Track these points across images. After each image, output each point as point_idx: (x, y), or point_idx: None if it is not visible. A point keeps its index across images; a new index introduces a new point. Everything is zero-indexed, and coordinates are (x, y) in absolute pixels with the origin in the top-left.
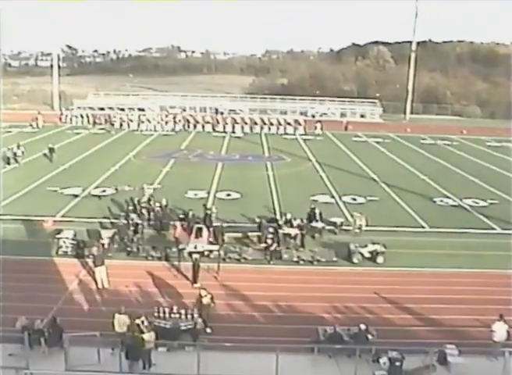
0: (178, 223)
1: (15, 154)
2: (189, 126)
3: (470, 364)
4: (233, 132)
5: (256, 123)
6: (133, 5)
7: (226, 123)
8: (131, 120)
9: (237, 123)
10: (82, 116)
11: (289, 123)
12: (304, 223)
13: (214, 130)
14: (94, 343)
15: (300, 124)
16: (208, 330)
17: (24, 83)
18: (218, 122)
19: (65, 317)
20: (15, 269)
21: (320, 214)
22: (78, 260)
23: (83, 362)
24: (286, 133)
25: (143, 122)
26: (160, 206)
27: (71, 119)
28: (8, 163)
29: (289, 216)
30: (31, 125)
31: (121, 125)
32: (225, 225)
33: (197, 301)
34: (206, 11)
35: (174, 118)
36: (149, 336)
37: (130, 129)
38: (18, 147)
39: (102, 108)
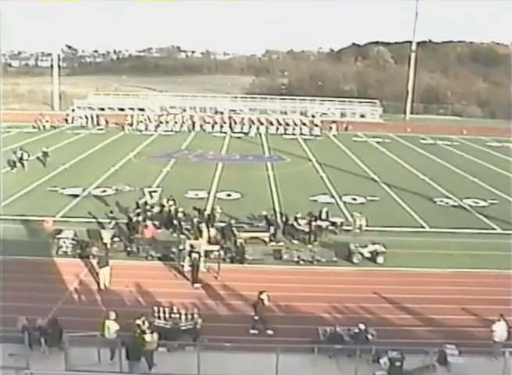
0: (149, 222)
1: (20, 158)
2: (203, 126)
3: (470, 364)
4: (248, 132)
5: (272, 124)
6: (133, 5)
7: (244, 124)
8: (150, 121)
9: (253, 124)
10: (86, 117)
11: (304, 124)
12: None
13: (232, 130)
14: (94, 343)
15: (316, 125)
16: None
17: (24, 83)
18: (235, 122)
19: (66, 317)
20: (15, 269)
21: (327, 213)
22: (80, 260)
23: (83, 362)
24: (285, 133)
25: (161, 122)
26: (176, 207)
27: (77, 120)
28: (14, 167)
29: (299, 215)
30: (34, 126)
31: (136, 124)
32: (237, 225)
33: (257, 302)
34: (206, 11)
35: (192, 118)
36: (151, 337)
37: (149, 129)
38: (21, 149)
39: (102, 109)
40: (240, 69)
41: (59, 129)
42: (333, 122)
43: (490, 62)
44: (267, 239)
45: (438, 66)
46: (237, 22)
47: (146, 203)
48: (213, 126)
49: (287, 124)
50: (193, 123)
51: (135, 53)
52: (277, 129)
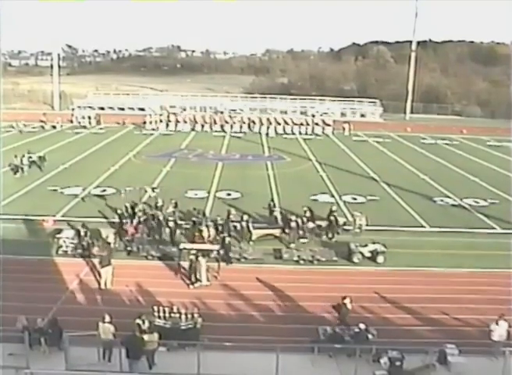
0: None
1: (21, 161)
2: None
3: (470, 364)
4: (267, 133)
5: (287, 123)
6: (133, 5)
7: (262, 124)
8: (170, 120)
9: (271, 124)
10: (92, 117)
11: (317, 124)
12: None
13: (250, 130)
14: (94, 343)
15: (328, 125)
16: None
17: (24, 82)
18: (253, 122)
19: (66, 317)
20: (15, 269)
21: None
22: (82, 260)
23: (83, 362)
24: (286, 133)
25: (179, 121)
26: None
27: (83, 120)
28: (16, 172)
29: (308, 214)
30: (43, 126)
31: (155, 123)
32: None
33: (339, 307)
34: (206, 11)
35: (212, 118)
36: (151, 336)
37: (168, 129)
38: (28, 153)
39: (102, 108)
40: (240, 68)
41: (59, 129)
42: (345, 122)
43: (490, 62)
44: (278, 235)
45: (438, 65)
46: (237, 22)
47: (145, 203)
48: (232, 126)
49: (301, 124)
50: (213, 122)
51: (135, 53)
52: (292, 128)
